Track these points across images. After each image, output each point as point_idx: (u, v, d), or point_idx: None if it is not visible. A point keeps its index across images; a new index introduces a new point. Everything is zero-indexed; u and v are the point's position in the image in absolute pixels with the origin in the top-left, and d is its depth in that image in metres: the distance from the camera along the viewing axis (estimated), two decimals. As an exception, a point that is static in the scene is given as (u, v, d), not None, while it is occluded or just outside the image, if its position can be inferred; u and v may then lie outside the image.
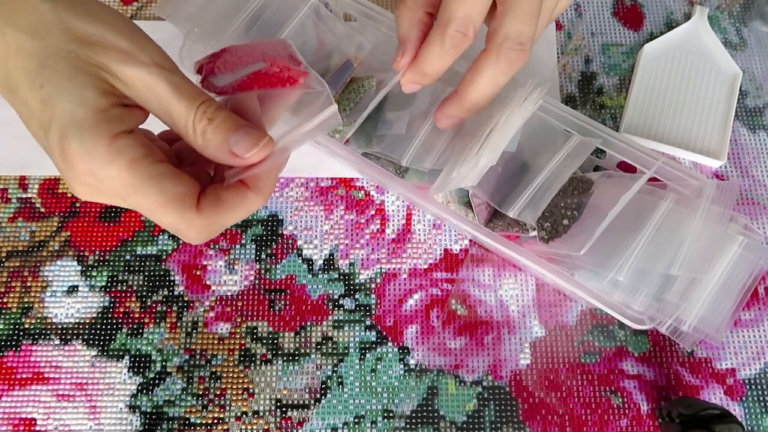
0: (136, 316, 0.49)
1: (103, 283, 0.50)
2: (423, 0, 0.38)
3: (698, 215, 0.42)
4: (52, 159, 0.30)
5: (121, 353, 0.49)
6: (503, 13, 0.36)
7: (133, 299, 0.50)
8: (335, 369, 0.48)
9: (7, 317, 0.49)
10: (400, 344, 0.49)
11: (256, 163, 0.31)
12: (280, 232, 0.52)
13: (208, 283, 0.50)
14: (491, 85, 0.38)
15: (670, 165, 0.46)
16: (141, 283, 0.50)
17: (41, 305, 0.50)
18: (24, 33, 0.29)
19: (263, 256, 0.51)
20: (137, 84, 0.30)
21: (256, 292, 0.50)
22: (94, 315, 0.50)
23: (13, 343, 0.49)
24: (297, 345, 0.49)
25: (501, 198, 0.44)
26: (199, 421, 0.47)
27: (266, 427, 0.47)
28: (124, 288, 0.50)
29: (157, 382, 0.48)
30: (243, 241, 0.51)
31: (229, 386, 0.48)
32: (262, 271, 0.51)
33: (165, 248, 0.51)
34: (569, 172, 0.43)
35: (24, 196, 0.53)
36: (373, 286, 0.50)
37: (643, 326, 0.42)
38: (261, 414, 0.47)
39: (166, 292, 0.50)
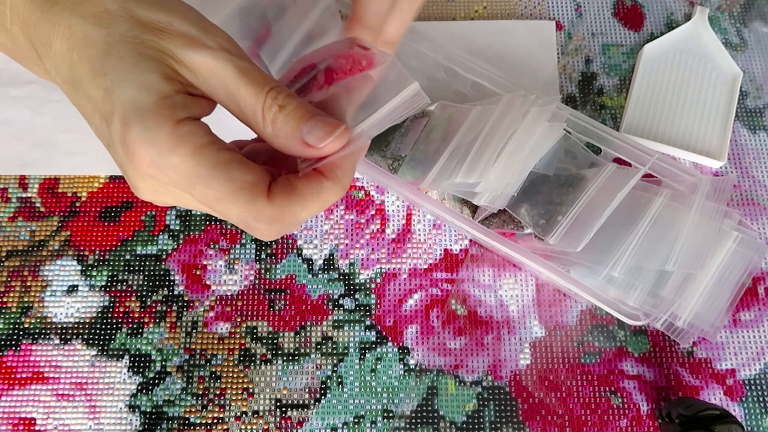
0: (136, 315, 0.49)
1: (103, 283, 0.50)
2: None
3: (693, 211, 0.42)
4: (114, 156, 0.29)
5: (120, 353, 0.49)
6: None
7: (133, 299, 0.50)
8: (335, 369, 0.48)
9: (7, 317, 0.49)
10: (400, 344, 0.49)
11: (330, 153, 0.29)
12: (280, 231, 0.52)
13: (208, 282, 0.50)
14: None
15: (665, 162, 0.46)
16: (141, 282, 0.50)
17: (41, 305, 0.50)
18: (89, 23, 0.28)
19: (263, 256, 0.51)
20: (203, 70, 0.29)
21: (256, 291, 0.50)
22: (94, 315, 0.50)
23: (13, 342, 0.49)
24: (297, 345, 0.49)
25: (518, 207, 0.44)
26: (198, 421, 0.47)
27: (266, 427, 0.47)
28: (124, 288, 0.50)
29: (156, 381, 0.48)
30: (243, 241, 0.51)
31: (228, 386, 0.48)
32: (262, 271, 0.51)
33: (165, 248, 0.51)
34: (611, 201, 0.42)
35: (24, 195, 0.53)
36: (373, 286, 0.50)
37: (639, 322, 0.42)
38: (261, 414, 0.47)
39: (166, 292, 0.50)
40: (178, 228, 0.52)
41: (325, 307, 0.50)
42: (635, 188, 0.43)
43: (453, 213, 0.46)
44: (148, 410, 0.47)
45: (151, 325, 0.49)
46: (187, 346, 0.49)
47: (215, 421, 0.47)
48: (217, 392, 0.48)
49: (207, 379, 0.48)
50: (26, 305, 0.50)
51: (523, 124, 0.43)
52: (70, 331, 0.49)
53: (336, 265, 0.51)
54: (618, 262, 0.41)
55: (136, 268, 0.51)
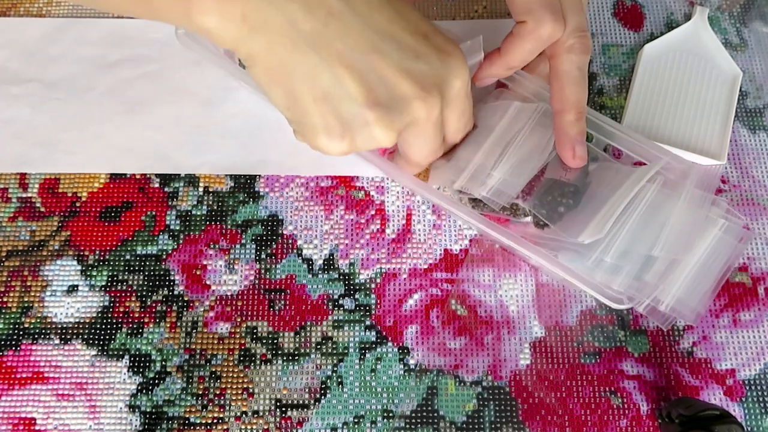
0: (136, 315, 0.49)
1: (103, 283, 0.50)
2: None
3: (682, 198, 0.43)
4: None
5: (120, 353, 0.49)
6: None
7: (133, 299, 0.50)
8: (335, 369, 0.48)
9: (7, 317, 0.49)
10: (400, 344, 0.49)
11: None
12: (280, 232, 0.52)
13: (208, 282, 0.50)
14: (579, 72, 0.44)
15: (655, 149, 0.46)
16: (141, 282, 0.50)
17: (41, 305, 0.50)
18: None
19: (263, 256, 0.51)
20: None
21: (256, 291, 0.50)
22: (94, 314, 0.50)
23: (13, 342, 0.49)
24: (297, 345, 0.49)
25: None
26: (198, 421, 0.47)
27: (266, 427, 0.47)
28: (124, 288, 0.50)
29: (156, 381, 0.48)
30: (243, 241, 0.51)
31: (228, 386, 0.48)
32: (262, 271, 0.51)
33: (165, 248, 0.51)
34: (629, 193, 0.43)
35: (24, 195, 0.53)
36: (373, 286, 0.50)
37: (622, 306, 0.43)
38: (261, 414, 0.47)
39: (166, 292, 0.50)
40: (178, 228, 0.52)
41: (325, 307, 0.50)
42: (626, 172, 0.44)
43: (450, 200, 0.46)
44: (148, 410, 0.47)
45: (151, 325, 0.49)
46: (187, 346, 0.49)
47: (215, 421, 0.47)
48: (217, 392, 0.48)
49: (207, 379, 0.48)
50: (26, 305, 0.50)
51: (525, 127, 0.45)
52: (70, 331, 0.49)
53: (336, 265, 0.51)
54: (609, 247, 0.42)
55: (136, 268, 0.51)
